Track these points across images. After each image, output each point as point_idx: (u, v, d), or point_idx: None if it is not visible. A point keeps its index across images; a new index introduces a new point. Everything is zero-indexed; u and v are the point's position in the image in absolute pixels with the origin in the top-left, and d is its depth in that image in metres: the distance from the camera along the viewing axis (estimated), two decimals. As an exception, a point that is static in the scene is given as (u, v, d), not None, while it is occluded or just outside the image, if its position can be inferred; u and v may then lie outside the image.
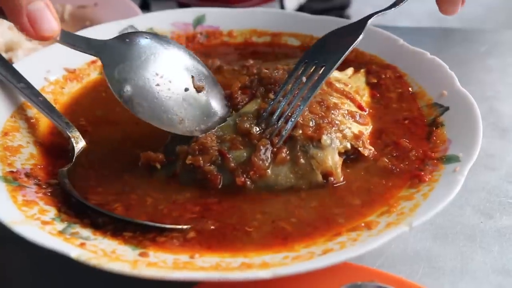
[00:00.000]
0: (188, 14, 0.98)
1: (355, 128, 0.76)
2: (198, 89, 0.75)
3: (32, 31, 0.57)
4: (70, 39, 0.66)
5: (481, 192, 0.79)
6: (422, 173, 0.70)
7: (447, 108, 0.78)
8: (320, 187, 0.70)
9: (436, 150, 0.73)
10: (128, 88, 0.68)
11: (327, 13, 1.55)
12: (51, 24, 0.58)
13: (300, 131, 0.71)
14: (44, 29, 0.58)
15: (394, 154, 0.74)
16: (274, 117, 0.72)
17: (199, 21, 0.98)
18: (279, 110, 0.73)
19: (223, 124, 0.73)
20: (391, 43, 0.90)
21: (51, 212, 0.65)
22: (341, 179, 0.71)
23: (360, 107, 0.81)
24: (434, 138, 0.75)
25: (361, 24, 0.80)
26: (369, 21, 0.80)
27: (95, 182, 0.71)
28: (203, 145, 0.70)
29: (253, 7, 1.36)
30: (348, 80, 0.85)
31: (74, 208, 0.66)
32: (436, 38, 1.18)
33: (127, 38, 0.70)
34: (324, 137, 0.71)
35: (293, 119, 0.72)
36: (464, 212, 0.76)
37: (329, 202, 0.68)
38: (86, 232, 0.62)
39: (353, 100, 0.81)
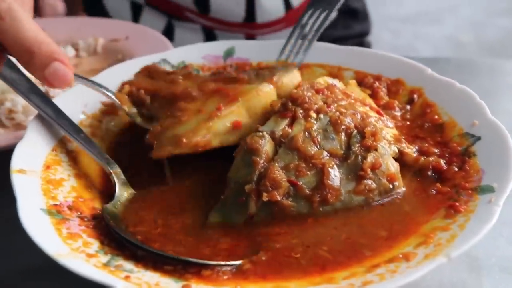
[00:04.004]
0: (218, 47, 1.01)
1: (390, 131, 0.78)
2: None
3: (51, 86, 0.68)
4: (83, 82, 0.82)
5: (514, 224, 0.79)
6: (457, 204, 0.70)
7: (478, 138, 0.79)
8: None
9: (469, 180, 0.74)
10: None
11: (347, 40, 1.58)
12: (66, 78, 0.68)
13: (358, 145, 0.73)
14: (60, 83, 0.68)
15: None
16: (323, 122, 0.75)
17: (229, 53, 1.00)
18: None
19: (280, 152, 0.73)
20: (419, 72, 0.91)
21: (95, 244, 0.66)
22: (403, 187, 0.75)
23: (379, 113, 0.83)
24: (467, 168, 0.76)
25: None
26: None
27: (138, 219, 0.72)
28: (274, 180, 0.70)
29: (275, 32, 1.40)
30: (347, 90, 0.87)
31: (116, 241, 0.68)
32: (460, 68, 1.19)
33: None
34: (380, 145, 0.74)
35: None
36: (499, 244, 0.76)
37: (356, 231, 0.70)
38: (129, 265, 0.63)
39: (371, 107, 0.83)
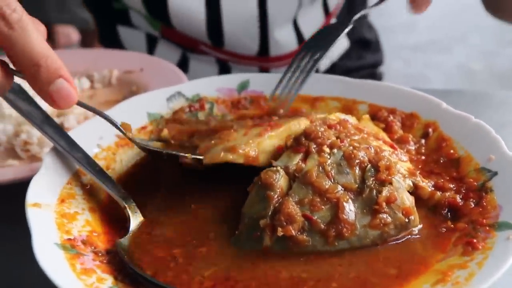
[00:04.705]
0: (232, 80, 1.01)
1: (404, 165, 0.78)
2: None
3: (55, 106, 0.66)
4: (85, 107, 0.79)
5: (532, 260, 0.78)
6: (475, 240, 0.69)
7: (495, 173, 0.78)
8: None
9: (487, 216, 0.73)
10: None
11: (359, 71, 1.58)
12: (69, 97, 0.65)
13: (372, 179, 0.73)
14: (64, 104, 0.66)
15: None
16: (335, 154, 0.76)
17: (243, 86, 1.01)
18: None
19: (294, 186, 0.73)
20: (434, 106, 0.91)
21: (109, 280, 0.66)
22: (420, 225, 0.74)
23: (393, 147, 0.83)
24: (484, 203, 0.75)
25: (349, 18, 0.94)
26: (356, 16, 0.94)
27: (153, 253, 0.72)
28: (289, 215, 0.70)
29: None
30: (360, 124, 0.87)
31: (130, 276, 0.67)
32: (473, 101, 1.18)
33: None
34: (394, 179, 0.73)
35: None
36: (517, 281, 0.75)
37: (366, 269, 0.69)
38: (143, 302, 0.63)
39: (385, 142, 0.83)
